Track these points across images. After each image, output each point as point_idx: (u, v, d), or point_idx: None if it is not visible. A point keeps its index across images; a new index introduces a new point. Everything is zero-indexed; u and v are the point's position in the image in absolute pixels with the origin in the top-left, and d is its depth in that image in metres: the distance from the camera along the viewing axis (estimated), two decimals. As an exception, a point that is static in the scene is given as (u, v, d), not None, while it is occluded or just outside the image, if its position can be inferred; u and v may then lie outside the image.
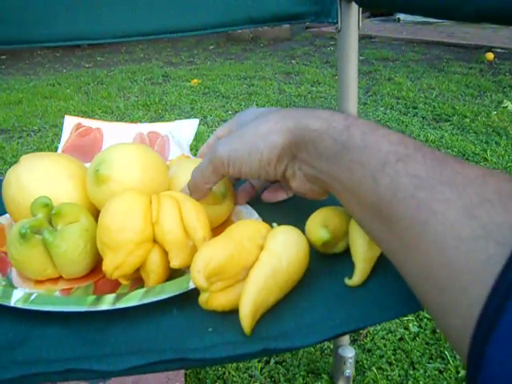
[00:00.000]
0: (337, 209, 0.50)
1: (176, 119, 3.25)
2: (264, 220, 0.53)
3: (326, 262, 0.49)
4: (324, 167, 0.41)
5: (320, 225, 0.48)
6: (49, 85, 4.43)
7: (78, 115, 3.33)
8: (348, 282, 0.45)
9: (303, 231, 0.48)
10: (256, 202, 0.59)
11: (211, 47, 5.99)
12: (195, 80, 4.22)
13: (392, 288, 0.44)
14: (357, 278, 0.45)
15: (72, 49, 6.20)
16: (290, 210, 0.55)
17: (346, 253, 0.48)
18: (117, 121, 3.27)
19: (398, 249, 0.34)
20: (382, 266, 0.46)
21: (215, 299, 0.42)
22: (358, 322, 0.41)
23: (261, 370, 1.18)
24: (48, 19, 0.81)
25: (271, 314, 0.43)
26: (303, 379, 1.15)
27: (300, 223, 0.49)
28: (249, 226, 0.46)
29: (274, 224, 0.47)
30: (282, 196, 0.59)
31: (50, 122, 3.31)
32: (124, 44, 6.33)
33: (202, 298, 0.41)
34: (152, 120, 3.29)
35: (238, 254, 0.42)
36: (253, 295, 0.40)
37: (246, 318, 0.40)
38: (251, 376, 1.17)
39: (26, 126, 3.28)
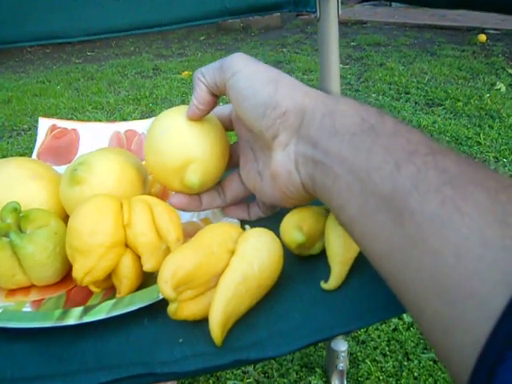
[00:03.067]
0: (313, 209, 0.48)
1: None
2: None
3: (301, 264, 0.48)
4: (334, 146, 0.35)
5: (294, 226, 0.46)
6: (39, 82, 4.39)
7: (68, 112, 3.32)
8: (324, 285, 0.43)
9: (279, 232, 0.46)
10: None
11: (202, 38, 5.94)
12: (186, 72, 4.18)
13: (370, 291, 0.42)
14: (333, 281, 0.43)
15: (62, 45, 6.14)
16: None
17: (323, 254, 0.46)
18: (107, 116, 3.25)
19: (400, 249, 0.30)
20: (360, 268, 0.44)
21: (186, 308, 0.40)
22: (334, 328, 0.39)
23: (254, 366, 1.17)
24: (20, 18, 0.78)
25: (244, 322, 0.41)
26: (297, 374, 1.15)
27: (276, 225, 0.47)
28: (219, 230, 0.44)
29: (247, 226, 0.46)
30: (242, 215, 0.55)
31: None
32: (114, 38, 6.28)
33: (171, 309, 0.40)
34: (143, 114, 3.27)
35: (207, 260, 0.41)
36: (222, 304, 0.39)
37: (216, 329, 0.38)
38: (245, 372, 1.16)
39: (16, 125, 3.26)
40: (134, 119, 3.08)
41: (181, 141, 0.49)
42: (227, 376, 1.15)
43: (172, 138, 0.49)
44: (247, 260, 0.41)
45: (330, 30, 0.81)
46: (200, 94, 0.46)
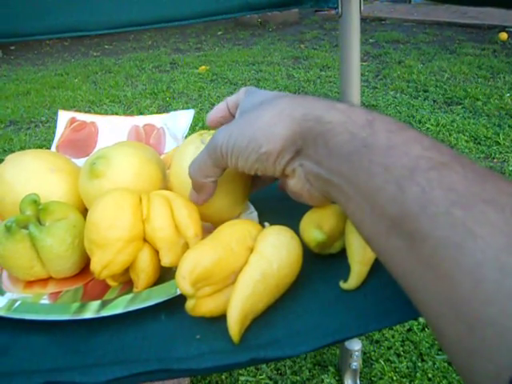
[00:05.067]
0: (333, 207, 0.47)
1: (183, 107, 3.23)
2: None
3: (320, 263, 0.47)
4: (335, 166, 0.34)
5: (314, 225, 0.45)
6: (57, 75, 4.42)
7: (85, 105, 3.34)
8: (343, 285, 0.43)
9: (298, 230, 0.46)
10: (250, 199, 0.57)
11: (219, 33, 5.93)
12: (203, 67, 4.18)
13: (390, 292, 0.42)
14: (353, 281, 0.43)
15: (80, 37, 6.17)
16: (285, 209, 0.53)
17: (343, 253, 0.45)
18: (124, 110, 3.26)
19: (415, 272, 0.29)
20: (380, 268, 0.44)
21: (203, 305, 0.40)
22: (353, 329, 0.39)
23: (267, 363, 1.17)
24: (40, 11, 0.78)
25: (262, 320, 0.41)
26: (309, 371, 1.14)
27: (295, 222, 0.47)
28: (238, 226, 0.44)
29: (266, 224, 0.45)
30: None
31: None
32: (132, 32, 6.29)
33: (189, 305, 0.39)
34: (160, 108, 3.28)
35: (226, 257, 0.40)
36: (241, 302, 0.38)
37: (234, 326, 0.38)
38: (257, 369, 1.16)
39: (34, 117, 3.28)
40: (151, 113, 3.09)
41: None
42: (240, 372, 1.15)
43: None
44: (266, 258, 0.40)
45: (352, 27, 0.80)
46: (206, 193, 0.47)
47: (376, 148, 0.32)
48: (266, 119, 0.39)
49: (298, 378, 1.13)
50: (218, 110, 0.51)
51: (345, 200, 0.35)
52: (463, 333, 0.26)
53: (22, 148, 2.70)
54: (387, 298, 0.42)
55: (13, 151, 2.68)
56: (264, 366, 1.16)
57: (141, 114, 3.10)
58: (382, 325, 0.40)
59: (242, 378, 1.13)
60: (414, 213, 0.28)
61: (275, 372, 1.15)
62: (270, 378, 1.13)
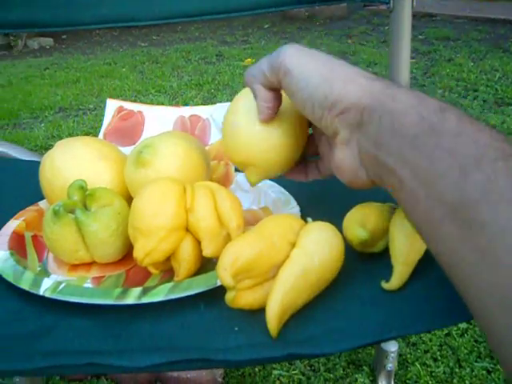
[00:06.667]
0: (377, 206, 0.47)
1: (228, 99, 3.24)
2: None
3: (362, 262, 0.46)
4: (395, 148, 0.33)
5: (358, 223, 0.45)
6: (105, 64, 4.51)
7: (132, 94, 3.40)
8: (385, 285, 0.42)
9: (341, 227, 0.45)
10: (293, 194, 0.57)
11: (266, 26, 5.91)
12: (249, 59, 4.19)
13: (432, 295, 0.41)
14: (395, 281, 0.42)
15: (129, 28, 6.27)
16: (327, 205, 0.52)
17: (386, 253, 0.45)
18: (170, 100, 3.30)
19: (468, 260, 0.28)
20: (422, 270, 0.43)
21: (242, 297, 0.40)
22: (393, 330, 0.38)
23: (304, 359, 1.16)
24: (95, 1, 0.80)
25: (300, 315, 0.40)
26: (343, 370, 1.13)
27: (337, 219, 0.46)
28: (281, 221, 0.44)
29: (309, 219, 0.45)
30: (299, 177, 0.52)
31: (105, 101, 3.37)
32: (179, 23, 6.35)
33: (229, 296, 0.40)
34: (204, 100, 3.30)
35: (268, 251, 0.40)
36: (281, 296, 0.38)
37: (273, 321, 0.38)
38: (291, 364, 1.16)
39: (82, 105, 3.36)
40: (196, 104, 3.11)
41: (246, 143, 0.48)
42: (273, 366, 1.15)
43: (239, 137, 0.48)
44: (308, 253, 0.40)
45: (403, 23, 0.78)
46: (261, 94, 0.44)
47: (444, 133, 0.31)
48: (351, 72, 0.38)
49: (332, 375, 1.12)
50: None
51: (398, 185, 0.34)
52: None
53: (70, 134, 2.77)
54: (429, 301, 0.41)
55: (61, 137, 2.76)
56: (298, 361, 1.16)
57: (186, 105, 3.13)
58: (423, 328, 0.39)
59: (276, 372, 1.13)
60: (474, 200, 0.28)
61: (309, 368, 1.15)
62: (303, 374, 1.13)
